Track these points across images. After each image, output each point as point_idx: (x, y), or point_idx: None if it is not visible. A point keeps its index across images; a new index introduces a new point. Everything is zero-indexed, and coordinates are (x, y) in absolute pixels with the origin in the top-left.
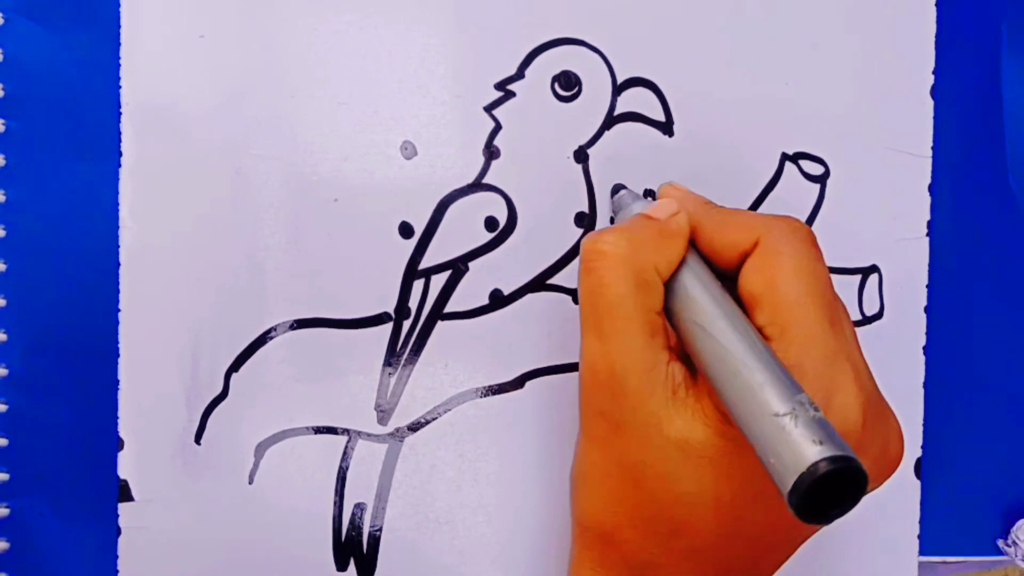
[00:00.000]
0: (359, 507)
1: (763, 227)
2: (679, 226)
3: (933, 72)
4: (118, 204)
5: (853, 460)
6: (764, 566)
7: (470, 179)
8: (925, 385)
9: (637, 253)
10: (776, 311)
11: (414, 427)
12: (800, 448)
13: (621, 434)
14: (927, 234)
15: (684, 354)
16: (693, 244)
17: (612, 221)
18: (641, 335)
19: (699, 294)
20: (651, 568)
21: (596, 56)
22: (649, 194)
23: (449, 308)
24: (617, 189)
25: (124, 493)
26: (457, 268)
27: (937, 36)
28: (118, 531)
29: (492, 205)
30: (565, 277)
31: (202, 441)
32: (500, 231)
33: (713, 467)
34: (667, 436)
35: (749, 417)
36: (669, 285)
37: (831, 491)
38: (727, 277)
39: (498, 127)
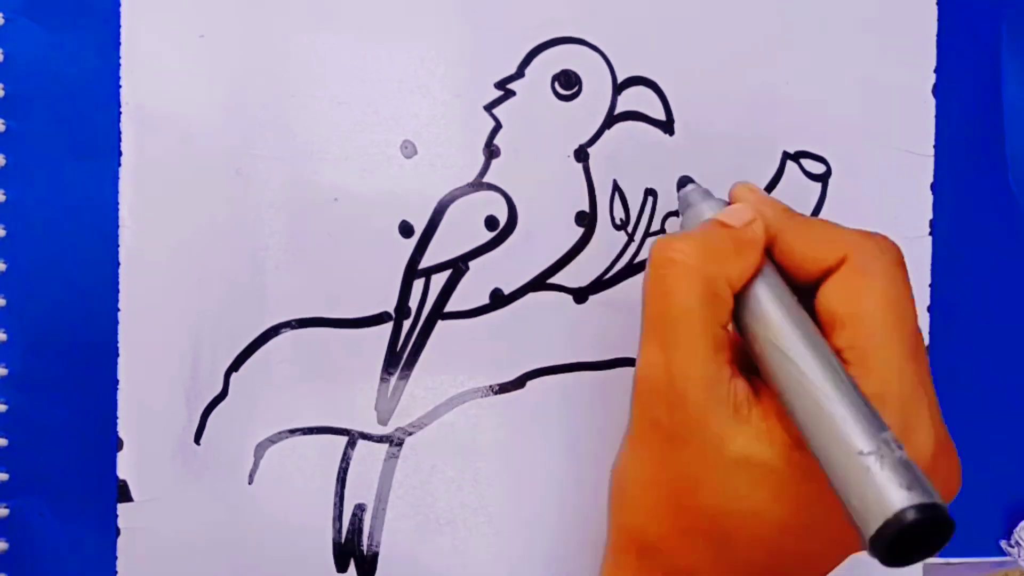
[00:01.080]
0: (359, 507)
1: (852, 244)
2: (755, 236)
3: (935, 71)
4: (118, 204)
5: (941, 508)
6: None
7: (470, 178)
8: None
9: (709, 264)
10: (859, 336)
11: (414, 427)
12: (886, 493)
13: (677, 447)
14: (929, 233)
15: (747, 367)
16: (769, 253)
17: (678, 215)
18: (706, 350)
19: (775, 311)
20: None
21: (596, 55)
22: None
23: (449, 308)
24: (684, 183)
25: (123, 493)
26: (457, 267)
27: (939, 35)
28: (117, 531)
29: (492, 204)
30: (566, 276)
31: (202, 441)
32: (500, 230)
33: (774, 489)
34: (727, 454)
35: (829, 452)
36: (740, 296)
37: (914, 536)
38: (802, 290)
39: (498, 126)
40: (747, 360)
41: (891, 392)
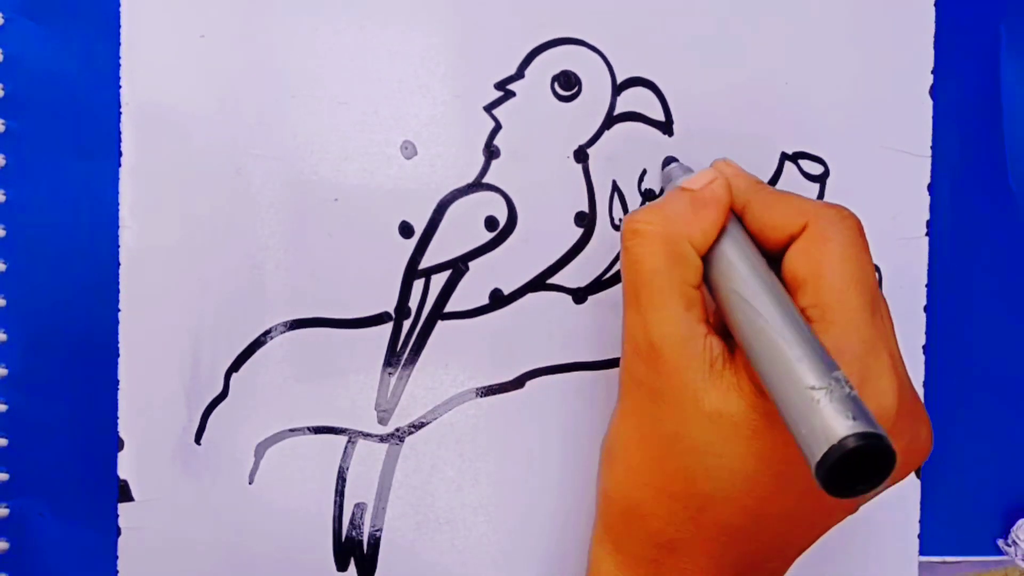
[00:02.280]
0: (359, 507)
1: (813, 212)
2: (714, 194)
3: (932, 72)
4: (118, 204)
5: (883, 438)
6: (790, 549)
7: (470, 179)
8: (925, 385)
9: (670, 227)
10: (819, 295)
11: (414, 427)
12: (831, 421)
13: (657, 404)
14: (926, 234)
15: (724, 330)
16: (739, 220)
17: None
18: (677, 307)
19: (740, 264)
20: (676, 546)
21: (596, 56)
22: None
23: (449, 308)
24: (668, 162)
25: (124, 493)
26: (457, 268)
27: (936, 36)
28: (118, 531)
29: (492, 205)
30: (565, 277)
31: (202, 441)
32: (500, 231)
33: (746, 441)
34: (702, 408)
35: (783, 389)
36: (710, 256)
37: (860, 468)
38: (771, 258)
39: (498, 127)
40: (724, 325)
41: (849, 344)
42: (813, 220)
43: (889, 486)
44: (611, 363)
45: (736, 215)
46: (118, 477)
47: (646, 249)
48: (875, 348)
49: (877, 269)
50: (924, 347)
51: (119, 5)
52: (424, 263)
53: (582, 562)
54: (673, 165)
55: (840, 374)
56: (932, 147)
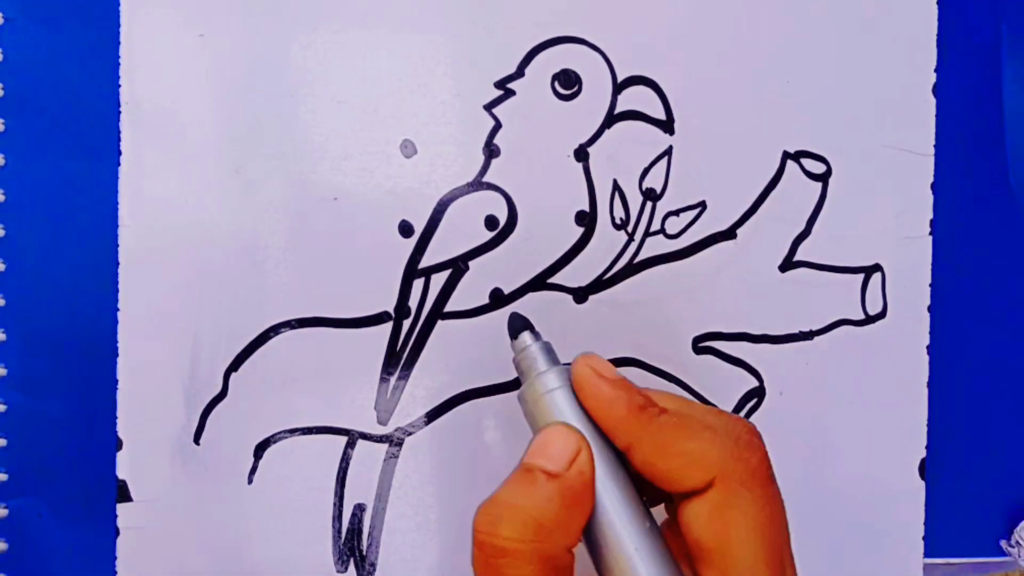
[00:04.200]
0: (359, 507)
1: (719, 467)
2: (584, 480)
3: (935, 71)
4: (117, 203)
5: None
6: None
7: (470, 178)
8: (929, 385)
9: (546, 543)
10: (726, 570)
11: (414, 427)
12: None
13: None
14: (930, 233)
15: None
16: (621, 457)
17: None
18: None
19: (623, 538)
20: None
21: (596, 54)
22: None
23: (449, 307)
24: (517, 325)
25: (123, 493)
26: (457, 267)
27: (939, 35)
28: (117, 531)
29: (492, 204)
30: (566, 276)
31: (201, 441)
32: (500, 230)
33: None
34: None
35: None
36: (588, 535)
37: None
38: (659, 497)
39: (498, 126)
40: None
41: None
42: (720, 479)
43: None
44: (612, 363)
45: (616, 451)
46: (117, 477)
47: (517, 572)
48: None
49: (880, 269)
50: (928, 347)
51: (118, 5)
52: (424, 262)
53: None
54: (529, 344)
55: None
56: (936, 146)
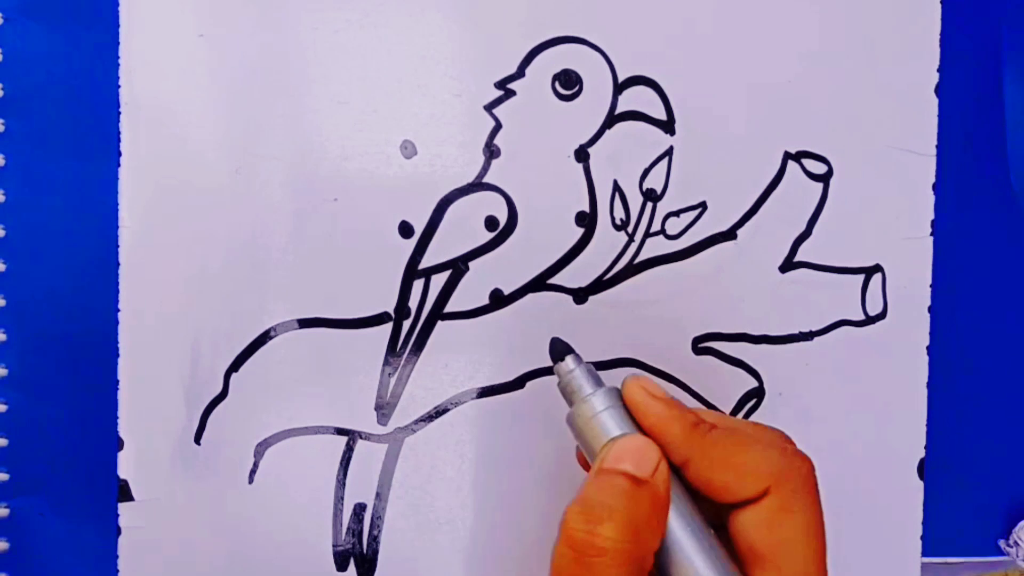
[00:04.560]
0: (359, 507)
1: (773, 476)
2: (666, 487)
3: (938, 70)
4: (117, 204)
5: None
6: None
7: (470, 178)
8: (929, 385)
9: (641, 546)
10: (780, 572)
11: (414, 427)
12: None
13: None
14: (931, 233)
15: None
16: (679, 477)
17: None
18: None
19: (685, 544)
20: None
21: (597, 54)
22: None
23: (449, 308)
24: (559, 351)
25: (124, 493)
26: (457, 268)
27: (942, 35)
28: (118, 531)
29: (492, 204)
30: (566, 277)
31: (202, 441)
32: (500, 230)
33: None
34: None
35: None
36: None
37: None
38: (715, 510)
39: (498, 126)
40: None
41: None
42: (775, 488)
43: None
44: (612, 364)
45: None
46: (118, 477)
47: (610, 572)
48: None
49: (880, 269)
50: (928, 347)
51: (118, 5)
52: (424, 263)
53: None
54: (574, 368)
55: None
56: (937, 146)
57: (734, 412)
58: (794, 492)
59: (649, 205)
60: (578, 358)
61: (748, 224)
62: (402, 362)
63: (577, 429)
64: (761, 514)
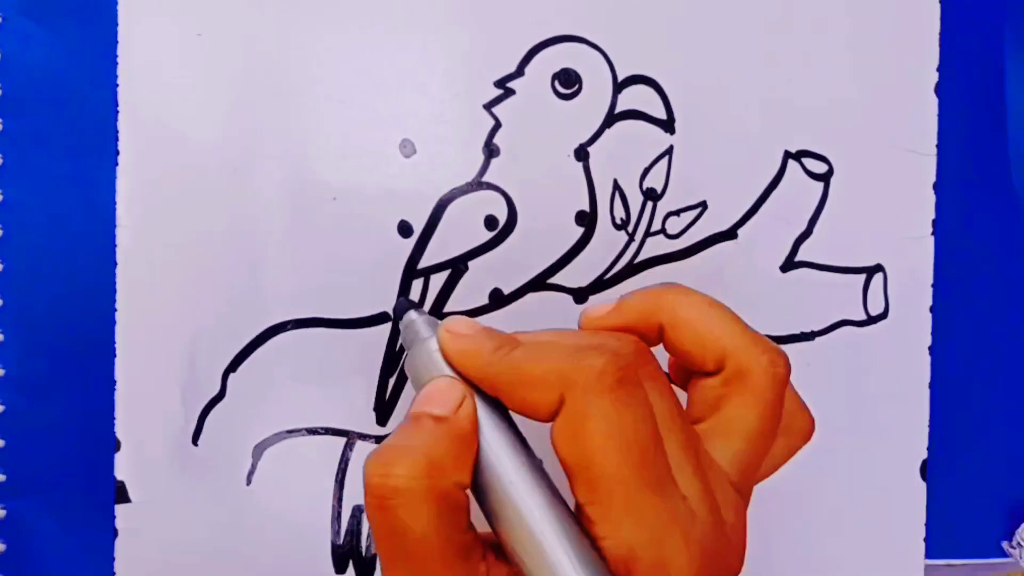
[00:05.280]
0: (358, 509)
1: (564, 381)
2: (471, 423)
3: (938, 70)
4: (115, 204)
5: None
6: None
7: (470, 178)
8: (931, 386)
9: (440, 480)
10: (594, 489)
11: None
12: None
13: None
14: (932, 233)
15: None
16: (495, 404)
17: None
18: (453, 567)
19: (498, 469)
20: None
21: (597, 53)
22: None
23: (449, 308)
24: (403, 307)
25: (121, 494)
26: (457, 267)
27: (941, 34)
28: (115, 532)
29: (492, 204)
30: (566, 276)
31: (199, 442)
32: (500, 230)
33: None
34: None
35: None
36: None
37: None
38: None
39: (498, 125)
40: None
41: (640, 542)
42: (566, 393)
43: None
44: None
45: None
46: (115, 478)
47: (413, 511)
48: (667, 533)
49: (881, 269)
50: (930, 347)
51: (117, 5)
52: (423, 263)
53: None
54: (414, 317)
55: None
56: (938, 146)
57: None
58: (585, 394)
59: (649, 204)
60: (420, 311)
61: (749, 223)
62: (401, 362)
63: (412, 376)
64: (562, 426)
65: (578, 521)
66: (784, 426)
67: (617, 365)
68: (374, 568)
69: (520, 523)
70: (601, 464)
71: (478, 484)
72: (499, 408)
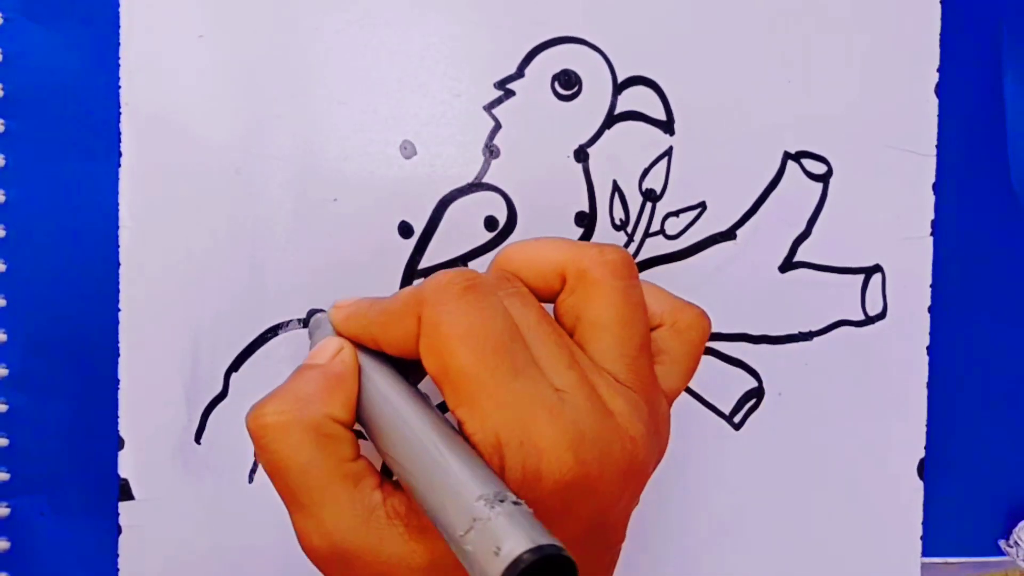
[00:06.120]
0: None
1: (417, 301)
2: (345, 365)
3: (938, 70)
4: (118, 204)
5: (557, 548)
6: None
7: (470, 178)
8: (928, 386)
9: (306, 411)
10: (456, 390)
11: None
12: (503, 543)
13: None
14: (931, 233)
15: None
16: (385, 357)
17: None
18: (343, 493)
19: (381, 423)
20: None
21: (596, 55)
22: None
23: None
24: (311, 314)
25: (124, 492)
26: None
27: (941, 34)
28: (119, 530)
29: (492, 204)
30: None
31: (202, 440)
32: (500, 231)
33: None
34: (413, 568)
35: (446, 511)
36: (361, 416)
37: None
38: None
39: (498, 126)
40: None
41: (503, 425)
42: (422, 311)
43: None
44: None
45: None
46: (118, 476)
47: (286, 443)
48: (531, 411)
49: (880, 269)
50: (928, 348)
51: (118, 5)
52: (424, 263)
53: None
54: (317, 315)
55: (501, 488)
56: (937, 146)
57: (734, 412)
58: (434, 305)
59: (649, 205)
60: (325, 312)
61: (748, 224)
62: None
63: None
64: (423, 343)
65: (456, 429)
66: (671, 326)
67: (463, 276)
68: None
69: (400, 439)
70: (458, 363)
71: (364, 422)
72: (388, 361)
